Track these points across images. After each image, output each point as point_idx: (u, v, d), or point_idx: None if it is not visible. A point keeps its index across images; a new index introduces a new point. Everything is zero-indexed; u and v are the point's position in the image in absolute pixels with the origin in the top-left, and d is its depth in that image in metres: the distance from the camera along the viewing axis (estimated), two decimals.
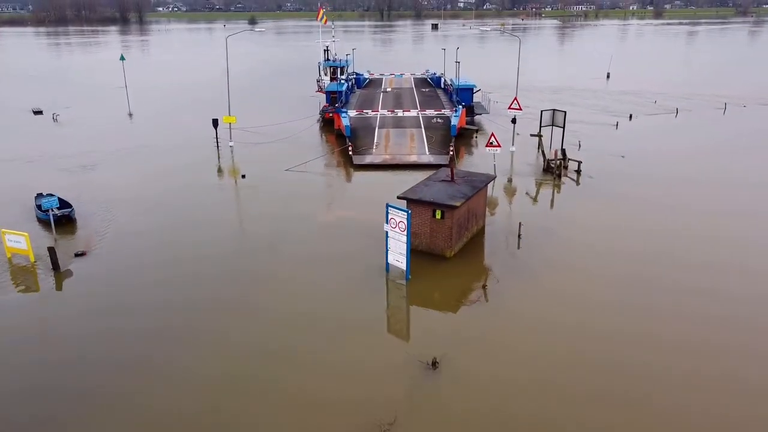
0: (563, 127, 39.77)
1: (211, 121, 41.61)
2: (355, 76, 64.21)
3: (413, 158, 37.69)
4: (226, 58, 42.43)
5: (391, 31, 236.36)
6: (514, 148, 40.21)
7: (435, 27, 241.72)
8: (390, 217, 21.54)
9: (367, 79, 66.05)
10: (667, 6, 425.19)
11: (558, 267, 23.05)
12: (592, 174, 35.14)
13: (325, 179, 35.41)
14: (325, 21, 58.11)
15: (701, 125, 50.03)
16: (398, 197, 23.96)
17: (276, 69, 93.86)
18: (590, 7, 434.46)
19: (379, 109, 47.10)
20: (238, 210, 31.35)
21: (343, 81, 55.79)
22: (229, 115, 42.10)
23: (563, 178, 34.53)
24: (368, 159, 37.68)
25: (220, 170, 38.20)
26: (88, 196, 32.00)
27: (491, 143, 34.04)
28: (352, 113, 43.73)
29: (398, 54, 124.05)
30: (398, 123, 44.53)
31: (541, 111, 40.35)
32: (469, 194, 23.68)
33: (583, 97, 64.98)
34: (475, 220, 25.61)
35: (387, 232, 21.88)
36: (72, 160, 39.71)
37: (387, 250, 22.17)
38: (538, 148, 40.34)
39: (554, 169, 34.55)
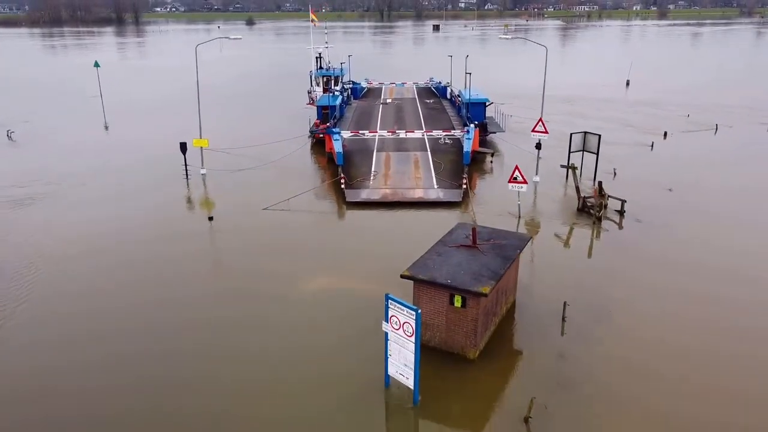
0: (597, 154, 33.35)
1: (179, 145, 35.13)
2: (351, 85, 57.75)
3: (418, 193, 31.17)
4: (196, 71, 35.86)
5: (391, 32, 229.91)
6: (538, 179, 33.74)
7: (436, 28, 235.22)
8: (390, 314, 15.09)
9: (365, 88, 59.58)
10: (671, 6, 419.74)
11: (629, 371, 16.61)
12: (638, 214, 28.63)
13: (310, 222, 28.85)
14: (316, 22, 51.52)
15: (749, 145, 43.48)
16: (402, 276, 17.44)
17: (263, 76, 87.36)
18: (593, 8, 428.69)
19: (378, 130, 40.46)
20: (191, 277, 23.49)
21: (337, 93, 49.34)
22: (200, 137, 35.64)
23: (603, 221, 28.03)
24: (364, 194, 31.15)
25: (185, 206, 31.73)
26: (11, 245, 25.59)
27: (515, 179, 27.57)
28: (347, 134, 37.12)
29: (398, 58, 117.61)
30: (400, 145, 38.06)
31: (571, 134, 33.96)
32: (500, 271, 17.19)
33: (600, 108, 58.48)
34: (505, 298, 19.14)
35: (386, 333, 15.43)
36: (7, 191, 33.24)
37: (387, 357, 15.72)
38: (566, 176, 33.88)
39: (594, 212, 27.96)
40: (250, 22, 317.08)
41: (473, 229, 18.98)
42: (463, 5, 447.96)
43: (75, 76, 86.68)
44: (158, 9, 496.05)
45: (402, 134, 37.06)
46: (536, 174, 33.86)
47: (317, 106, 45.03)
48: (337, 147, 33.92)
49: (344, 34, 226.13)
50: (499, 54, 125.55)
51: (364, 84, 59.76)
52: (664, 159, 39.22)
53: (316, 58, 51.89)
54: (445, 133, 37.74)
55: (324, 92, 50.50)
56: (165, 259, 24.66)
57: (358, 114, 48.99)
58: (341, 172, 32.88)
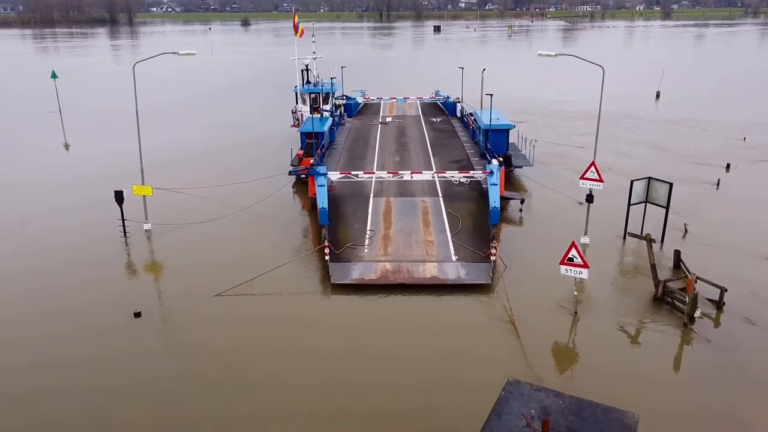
0: (667, 208, 25.04)
1: (114, 194, 26.75)
2: (344, 100, 49.41)
3: (431, 270, 22.61)
4: (135, 95, 27.47)
5: (390, 34, 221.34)
6: (587, 240, 25.44)
7: (437, 29, 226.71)
8: None
9: (360, 104, 51.23)
10: (674, 6, 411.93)
11: None
12: (742, 307, 20.26)
13: (277, 320, 20.44)
14: (302, 33, 42.90)
15: None
16: None
17: (245, 86, 78.91)
18: (596, 8, 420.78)
19: (375, 170, 31.90)
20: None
21: (326, 114, 41.00)
22: (143, 183, 27.29)
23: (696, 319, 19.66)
24: (356, 272, 22.58)
25: (109, 288, 23.32)
26: None
27: (571, 259, 19.22)
28: (335, 176, 28.68)
29: (398, 67, 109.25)
30: (404, 188, 29.70)
31: (632, 182, 25.60)
32: None
33: (630, 127, 50.20)
34: None
35: None
36: None
37: None
38: (623, 236, 25.59)
39: (684, 311, 19.47)
40: (245, 23, 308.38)
41: (544, 423, 10.56)
42: (463, 5, 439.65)
43: (41, 84, 78.29)
44: (154, 9, 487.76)
45: (407, 175, 28.62)
46: (585, 234, 25.56)
47: (300, 133, 36.56)
48: (321, 199, 25.40)
49: (342, 35, 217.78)
50: (500, 55, 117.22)
51: (359, 99, 51.38)
52: (742, 203, 30.77)
53: (302, 71, 43.48)
54: (461, 175, 29.27)
55: (312, 112, 42.13)
56: (56, 389, 16.25)
57: (351, 139, 40.62)
58: (325, 233, 24.49)
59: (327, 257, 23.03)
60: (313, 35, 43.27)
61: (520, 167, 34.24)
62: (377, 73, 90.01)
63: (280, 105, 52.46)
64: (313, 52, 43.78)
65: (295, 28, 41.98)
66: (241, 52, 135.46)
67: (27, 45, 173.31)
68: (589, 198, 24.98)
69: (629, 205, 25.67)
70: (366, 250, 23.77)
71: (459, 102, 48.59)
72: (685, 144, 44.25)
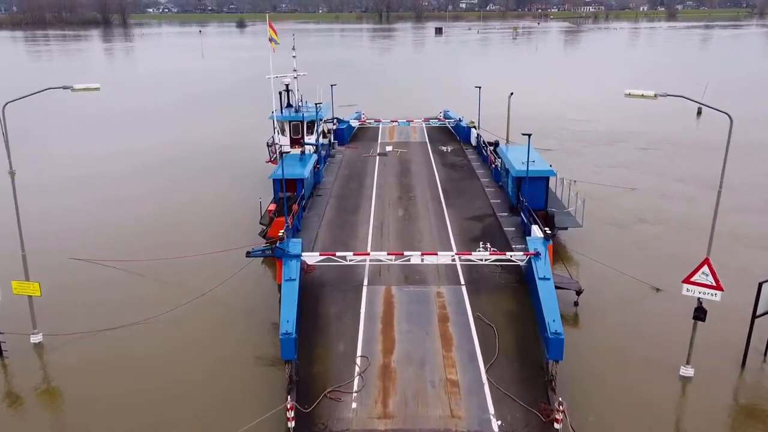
0: None
1: None
2: (335, 124, 40.81)
3: None
4: (7, 148, 18.75)
5: (390, 36, 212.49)
6: (689, 372, 16.76)
7: (439, 32, 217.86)
8: None
9: (354, 128, 42.57)
10: (679, 7, 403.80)
11: None
12: None
13: None
14: (276, 44, 33.68)
15: None
16: None
17: (221, 100, 70.02)
18: (599, 8, 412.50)
19: (371, 233, 23.40)
20: None
21: (310, 148, 32.40)
22: (26, 279, 18.61)
23: None
24: None
25: None
26: None
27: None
28: (313, 258, 19.95)
29: (399, 72, 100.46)
30: (411, 270, 20.94)
31: (760, 284, 16.87)
32: None
33: (672, 156, 41.89)
34: None
35: None
36: None
37: None
38: (743, 361, 16.95)
39: None
40: (240, 25, 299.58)
41: None
42: (464, 5, 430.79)
43: None
44: (151, 10, 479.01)
45: (416, 257, 19.87)
46: (687, 363, 16.87)
47: (273, 180, 27.49)
48: (287, 314, 16.55)
49: (341, 37, 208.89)
50: (506, 60, 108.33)
51: (353, 122, 42.66)
52: None
53: (281, 92, 34.62)
54: (493, 256, 20.43)
55: (293, 146, 33.43)
56: None
57: (341, 180, 31.97)
58: (292, 373, 15.72)
59: (291, 420, 14.27)
60: (293, 48, 34.39)
61: (565, 228, 25.51)
62: (375, 85, 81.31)
63: (259, 123, 43.39)
64: (294, 70, 34.86)
65: (272, 40, 32.91)
66: (226, 57, 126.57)
67: (14, 48, 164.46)
68: (699, 314, 16.25)
69: (754, 315, 17.00)
70: (354, 406, 15.00)
71: (474, 127, 39.93)
72: (755, 181, 35.62)
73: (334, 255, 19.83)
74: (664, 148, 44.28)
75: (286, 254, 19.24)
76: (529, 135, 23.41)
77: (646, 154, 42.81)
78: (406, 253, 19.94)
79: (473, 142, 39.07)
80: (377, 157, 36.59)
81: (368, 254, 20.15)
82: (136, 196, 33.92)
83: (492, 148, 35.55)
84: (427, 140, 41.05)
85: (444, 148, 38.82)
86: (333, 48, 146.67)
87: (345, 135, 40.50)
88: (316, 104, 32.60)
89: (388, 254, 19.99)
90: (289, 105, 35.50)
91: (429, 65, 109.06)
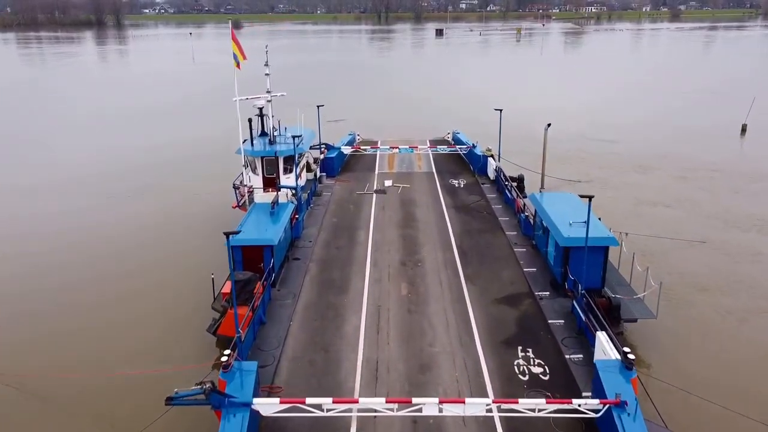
0: None
1: None
2: (323, 152, 33.84)
3: None
4: None
5: (388, 38, 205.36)
6: None
7: (439, 33, 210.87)
8: None
9: (346, 156, 35.53)
10: (682, 7, 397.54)
11: None
12: None
13: None
14: (239, 63, 25.90)
15: None
16: None
17: (198, 111, 62.95)
18: (601, 8, 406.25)
19: (359, 395, 15.50)
20: None
21: (288, 194, 25.33)
22: None
23: None
24: None
25: None
26: None
27: None
28: (270, 408, 12.80)
29: (399, 81, 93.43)
30: (423, 422, 13.84)
31: None
32: None
33: (717, 190, 34.75)
34: None
35: None
36: None
37: None
38: None
39: None
40: (236, 26, 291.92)
41: None
42: (464, 6, 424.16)
43: None
44: (147, 11, 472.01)
45: (430, 406, 12.75)
46: None
47: (229, 249, 16.40)
48: None
49: (340, 39, 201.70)
50: (513, 65, 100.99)
51: (345, 148, 35.58)
52: None
53: (253, 119, 27.26)
54: (551, 405, 13.16)
55: (266, 189, 26.32)
56: None
57: (326, 235, 25.00)
58: None
59: None
60: (266, 64, 27.17)
61: (634, 320, 18.39)
62: (372, 95, 74.22)
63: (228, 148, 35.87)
64: (268, 91, 27.57)
65: (236, 57, 25.50)
66: (207, 63, 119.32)
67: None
68: None
69: None
70: None
71: (491, 156, 32.91)
72: None
73: (303, 402, 12.69)
74: (712, 177, 37.30)
75: (228, 403, 12.19)
76: (590, 198, 16.36)
77: (691, 186, 35.87)
78: (415, 401, 12.77)
79: (491, 174, 32.06)
80: (374, 196, 29.60)
81: (356, 401, 12.97)
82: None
83: (515, 184, 28.59)
84: (434, 171, 34.09)
85: (455, 183, 31.84)
86: (327, 53, 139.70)
87: (335, 165, 33.49)
88: (294, 138, 25.29)
89: (387, 401, 12.84)
90: (263, 134, 28.34)
91: (432, 71, 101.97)
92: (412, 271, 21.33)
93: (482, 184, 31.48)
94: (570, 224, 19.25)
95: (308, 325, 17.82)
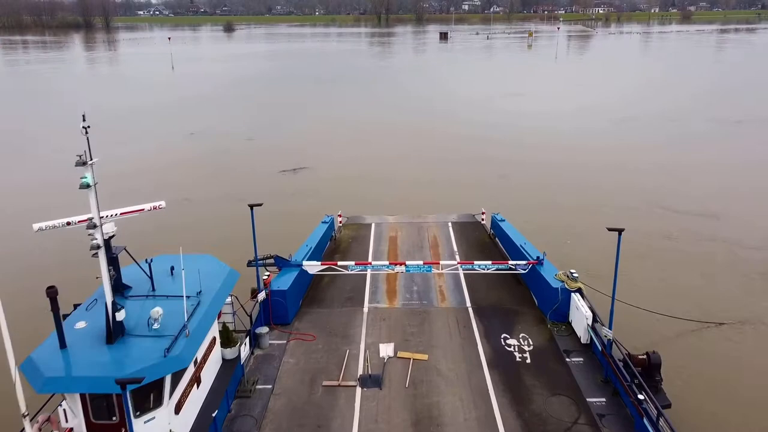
0: None
1: None
2: (268, 279, 18.97)
3: None
4: None
5: (389, 43, 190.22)
6: None
7: (444, 37, 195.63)
8: None
9: (311, 278, 20.52)
10: (692, 8, 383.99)
11: None
12: None
13: None
14: None
15: None
16: None
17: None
18: (608, 9, 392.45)
19: None
20: None
21: None
22: None
23: None
24: None
25: None
26: None
27: None
28: None
29: (397, 105, 78.40)
30: None
31: None
32: None
33: None
34: None
35: None
36: None
37: None
38: None
39: None
40: (228, 29, 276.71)
41: None
42: (466, 7, 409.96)
43: None
44: (141, 12, 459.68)
45: None
46: None
47: None
48: None
49: (338, 42, 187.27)
50: (520, 68, 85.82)
51: (309, 265, 20.20)
52: None
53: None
54: None
55: None
56: None
57: None
58: None
59: None
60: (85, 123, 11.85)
61: None
62: (360, 139, 59.04)
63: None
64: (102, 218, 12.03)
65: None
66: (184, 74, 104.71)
67: None
68: None
69: None
70: None
71: (579, 289, 17.85)
72: None
73: None
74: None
75: None
76: None
77: (746, 246, 20.99)
78: None
79: (579, 330, 17.10)
80: (357, 391, 14.85)
81: None
82: None
83: (640, 377, 13.88)
84: (469, 307, 19.15)
85: (514, 344, 16.95)
86: (321, 64, 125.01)
87: (288, 303, 18.43)
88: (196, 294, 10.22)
89: None
90: (111, 336, 12.51)
91: (444, 95, 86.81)
92: None
93: (565, 351, 16.58)
94: None
95: None
